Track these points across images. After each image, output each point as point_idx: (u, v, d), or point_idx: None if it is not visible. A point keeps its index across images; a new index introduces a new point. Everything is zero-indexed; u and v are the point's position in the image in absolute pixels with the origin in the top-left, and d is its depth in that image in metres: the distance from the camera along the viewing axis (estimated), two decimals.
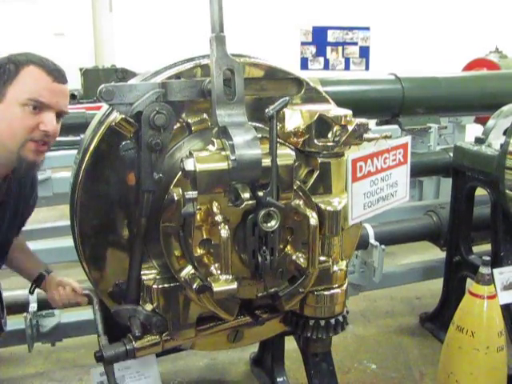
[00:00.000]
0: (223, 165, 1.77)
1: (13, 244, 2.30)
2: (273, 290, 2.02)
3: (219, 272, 1.80)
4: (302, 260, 1.97)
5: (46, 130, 1.84)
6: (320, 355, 2.48)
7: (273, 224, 1.80)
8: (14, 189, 2.06)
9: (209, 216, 1.81)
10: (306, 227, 1.92)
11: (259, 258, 1.85)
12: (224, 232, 1.75)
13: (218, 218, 1.77)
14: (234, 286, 1.77)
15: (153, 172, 1.90)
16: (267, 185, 1.80)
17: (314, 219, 1.91)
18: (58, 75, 1.88)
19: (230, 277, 1.78)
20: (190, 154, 1.81)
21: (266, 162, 1.79)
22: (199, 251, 1.85)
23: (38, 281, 2.37)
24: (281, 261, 1.95)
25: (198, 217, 1.80)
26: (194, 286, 1.93)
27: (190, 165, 1.77)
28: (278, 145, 1.84)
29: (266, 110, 1.80)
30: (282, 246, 1.96)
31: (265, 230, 1.80)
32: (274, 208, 1.79)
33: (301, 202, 1.96)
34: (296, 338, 2.59)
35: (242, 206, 1.79)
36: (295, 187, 1.94)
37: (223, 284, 1.77)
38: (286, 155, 1.87)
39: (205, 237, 1.84)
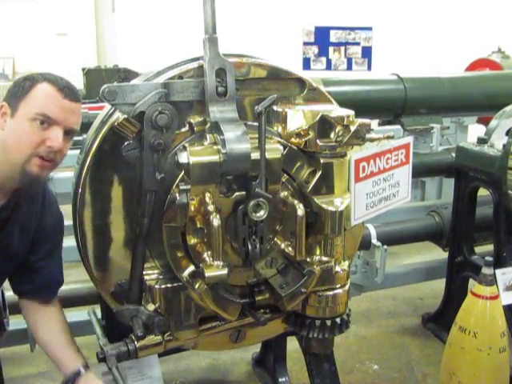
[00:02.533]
0: (215, 158, 1.84)
1: (48, 323, 2.23)
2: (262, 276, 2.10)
3: (211, 259, 1.86)
4: (290, 249, 2.03)
5: (52, 145, 1.85)
6: (322, 355, 2.49)
7: (262, 214, 1.89)
8: (24, 206, 2.06)
9: (202, 206, 1.88)
10: (293, 217, 1.97)
11: (249, 246, 1.93)
12: (215, 221, 1.82)
13: (210, 207, 1.85)
14: (225, 271, 1.84)
15: (155, 172, 1.91)
16: (256, 177, 1.88)
17: (300, 210, 1.96)
18: (69, 93, 1.89)
19: (221, 263, 1.84)
20: (184, 148, 1.90)
21: (255, 155, 1.86)
22: (193, 240, 1.92)
23: (73, 378, 2.14)
24: (270, 249, 2.04)
25: (192, 207, 1.88)
26: (197, 286, 1.94)
27: (183, 158, 1.86)
28: (267, 139, 1.92)
29: (256, 107, 1.88)
30: (271, 236, 2.04)
31: (254, 219, 1.89)
32: (262, 199, 1.88)
33: (289, 194, 2.04)
34: (298, 339, 2.59)
35: (233, 196, 1.91)
36: (284, 180, 2.03)
37: (214, 269, 1.83)
38: (275, 149, 1.94)
39: (198, 226, 1.91)
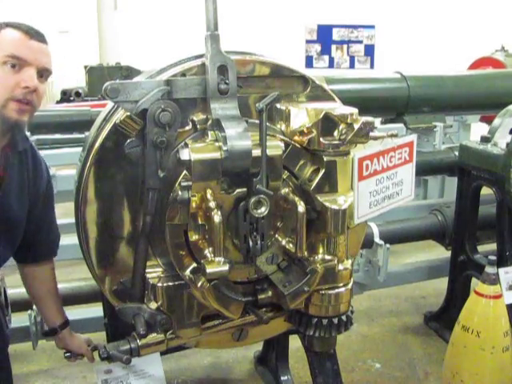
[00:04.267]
0: (216, 155, 1.85)
1: (40, 281, 2.29)
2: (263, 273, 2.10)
3: (212, 255, 1.87)
4: (290, 245, 2.02)
5: (27, 85, 1.81)
6: (324, 354, 2.48)
7: (263, 210, 1.89)
8: (15, 164, 2.02)
9: (203, 203, 1.89)
10: (294, 214, 1.97)
11: (250, 243, 1.94)
12: (217, 217, 1.83)
13: (212, 204, 1.85)
14: (226, 267, 1.85)
15: (158, 170, 1.91)
16: (257, 174, 1.88)
17: (301, 207, 1.95)
18: (35, 34, 1.88)
19: (223, 259, 1.85)
20: (186, 145, 1.91)
21: (257, 152, 1.86)
22: (194, 237, 1.93)
23: (50, 332, 2.39)
24: (271, 246, 2.05)
25: (194, 204, 1.89)
26: (199, 284, 1.94)
27: (185, 154, 1.87)
28: (269, 137, 1.92)
29: (257, 104, 1.89)
30: (272, 232, 2.04)
31: (255, 215, 1.89)
32: (263, 195, 1.88)
33: (290, 191, 2.04)
34: (300, 337, 2.58)
35: (234, 193, 1.92)
36: (284, 177, 2.03)
37: (216, 266, 1.84)
38: (275, 146, 1.94)
39: (200, 222, 1.92)
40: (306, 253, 2.03)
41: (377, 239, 3.43)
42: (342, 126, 1.99)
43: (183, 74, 1.98)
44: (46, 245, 2.27)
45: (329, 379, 2.50)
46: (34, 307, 2.79)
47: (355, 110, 2.04)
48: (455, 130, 6.20)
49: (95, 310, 2.97)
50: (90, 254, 2.04)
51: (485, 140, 3.33)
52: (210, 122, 1.94)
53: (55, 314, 2.35)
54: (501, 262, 3.11)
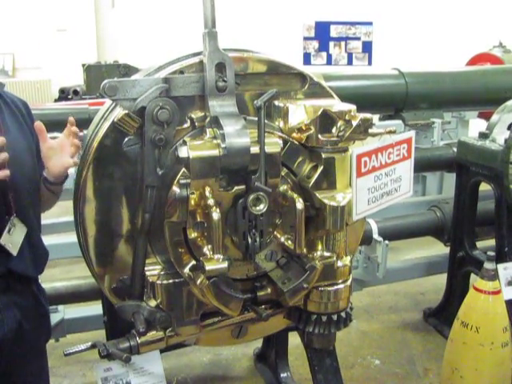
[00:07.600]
0: (215, 152, 1.85)
1: None
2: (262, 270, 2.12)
3: (211, 253, 1.87)
4: (289, 242, 2.03)
5: None
6: (324, 351, 2.48)
7: (261, 207, 1.90)
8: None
9: (202, 200, 1.90)
10: (293, 211, 1.97)
11: (249, 240, 1.94)
12: (215, 215, 1.83)
13: (210, 201, 1.85)
14: (225, 265, 1.85)
15: (156, 167, 1.91)
16: (256, 171, 1.89)
17: (300, 203, 1.96)
18: None
19: (222, 257, 1.85)
20: (184, 142, 1.91)
21: (255, 149, 1.87)
22: (193, 234, 1.93)
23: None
24: (270, 243, 2.06)
25: (192, 201, 1.89)
26: (198, 282, 1.94)
27: (183, 152, 1.88)
28: (266, 134, 1.92)
29: (255, 102, 1.90)
30: (271, 229, 2.05)
31: (254, 213, 1.90)
32: (262, 192, 1.89)
33: (288, 188, 2.04)
34: (300, 334, 2.59)
35: (233, 190, 1.92)
36: (283, 174, 2.03)
37: (215, 263, 1.84)
38: (274, 143, 1.95)
39: (198, 220, 1.92)
40: (304, 250, 2.03)
41: (376, 236, 3.44)
42: (340, 123, 1.99)
43: (181, 72, 1.98)
44: None
45: (328, 376, 2.50)
46: None
47: (353, 107, 2.04)
48: (453, 127, 6.20)
49: (95, 308, 2.98)
50: (89, 252, 2.04)
51: (483, 136, 3.33)
52: (208, 119, 1.95)
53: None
54: (500, 258, 3.12)
